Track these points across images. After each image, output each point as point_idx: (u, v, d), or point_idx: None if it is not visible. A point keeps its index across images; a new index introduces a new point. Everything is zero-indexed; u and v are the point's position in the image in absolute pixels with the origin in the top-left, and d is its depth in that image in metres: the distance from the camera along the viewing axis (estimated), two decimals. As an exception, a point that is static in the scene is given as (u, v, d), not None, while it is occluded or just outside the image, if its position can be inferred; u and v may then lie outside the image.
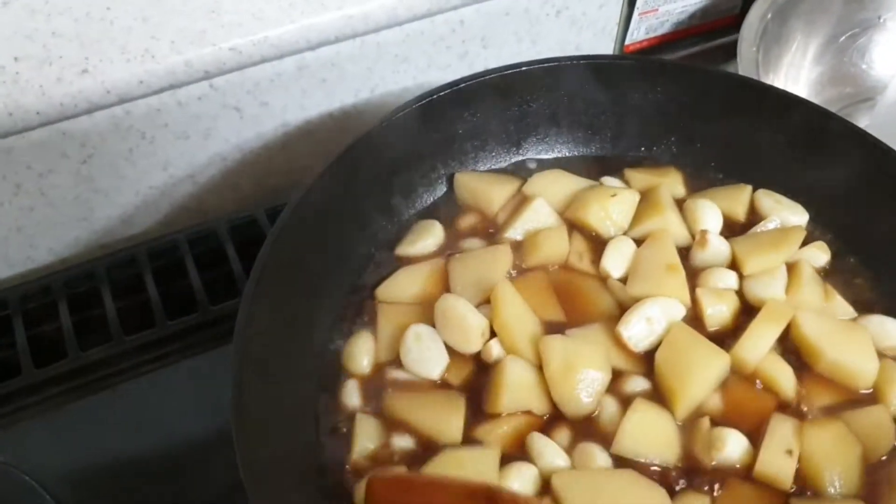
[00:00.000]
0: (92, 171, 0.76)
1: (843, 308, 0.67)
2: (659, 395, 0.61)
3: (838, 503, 0.56)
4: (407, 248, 0.71)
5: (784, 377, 0.61)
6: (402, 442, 0.60)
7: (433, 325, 0.64)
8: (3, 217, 0.76)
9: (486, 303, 0.64)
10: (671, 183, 0.75)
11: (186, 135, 0.78)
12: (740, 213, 0.73)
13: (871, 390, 0.62)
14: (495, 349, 0.62)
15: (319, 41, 0.76)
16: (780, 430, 0.58)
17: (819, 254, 0.70)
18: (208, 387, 0.67)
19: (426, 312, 0.65)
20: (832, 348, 0.62)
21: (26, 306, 0.76)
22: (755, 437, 0.58)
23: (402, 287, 0.68)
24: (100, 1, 0.73)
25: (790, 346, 0.64)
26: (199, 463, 0.66)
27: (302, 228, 0.63)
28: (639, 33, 0.97)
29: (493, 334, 0.63)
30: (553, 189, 0.73)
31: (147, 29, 0.72)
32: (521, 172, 0.77)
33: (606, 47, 0.97)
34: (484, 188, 0.74)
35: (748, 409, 0.60)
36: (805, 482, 0.57)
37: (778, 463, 0.56)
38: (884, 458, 0.59)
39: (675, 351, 0.61)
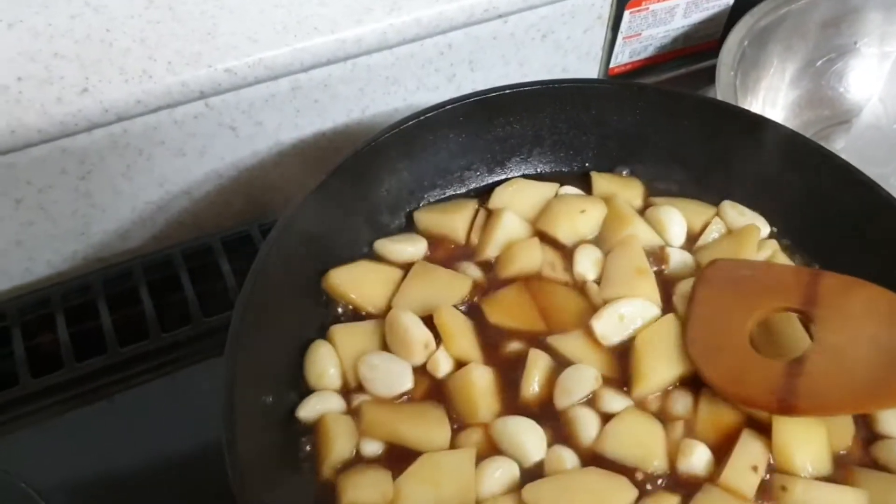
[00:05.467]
0: (90, 187, 0.79)
1: None
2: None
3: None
4: (386, 245, 0.72)
5: None
6: (374, 448, 0.61)
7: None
8: (4, 231, 0.77)
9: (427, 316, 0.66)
10: (631, 193, 0.77)
11: (183, 152, 0.81)
12: (698, 224, 0.75)
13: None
14: (443, 362, 0.64)
15: (312, 63, 0.79)
16: (750, 447, 0.59)
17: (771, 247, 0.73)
18: (201, 396, 0.70)
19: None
20: None
21: (24, 318, 0.77)
22: (722, 451, 0.60)
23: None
24: (99, 23, 0.76)
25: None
26: (191, 471, 0.68)
27: (292, 244, 0.65)
28: (623, 57, 1.00)
29: (437, 344, 0.64)
30: (518, 201, 0.75)
31: (145, 50, 0.75)
32: (472, 193, 0.79)
33: (591, 70, 0.99)
34: (445, 217, 0.75)
35: (719, 421, 0.61)
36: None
37: (743, 476, 0.58)
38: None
39: (657, 335, 0.64)
